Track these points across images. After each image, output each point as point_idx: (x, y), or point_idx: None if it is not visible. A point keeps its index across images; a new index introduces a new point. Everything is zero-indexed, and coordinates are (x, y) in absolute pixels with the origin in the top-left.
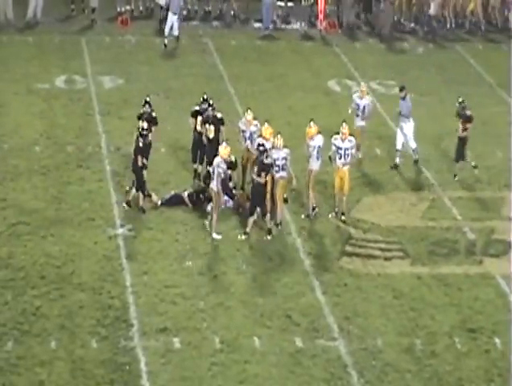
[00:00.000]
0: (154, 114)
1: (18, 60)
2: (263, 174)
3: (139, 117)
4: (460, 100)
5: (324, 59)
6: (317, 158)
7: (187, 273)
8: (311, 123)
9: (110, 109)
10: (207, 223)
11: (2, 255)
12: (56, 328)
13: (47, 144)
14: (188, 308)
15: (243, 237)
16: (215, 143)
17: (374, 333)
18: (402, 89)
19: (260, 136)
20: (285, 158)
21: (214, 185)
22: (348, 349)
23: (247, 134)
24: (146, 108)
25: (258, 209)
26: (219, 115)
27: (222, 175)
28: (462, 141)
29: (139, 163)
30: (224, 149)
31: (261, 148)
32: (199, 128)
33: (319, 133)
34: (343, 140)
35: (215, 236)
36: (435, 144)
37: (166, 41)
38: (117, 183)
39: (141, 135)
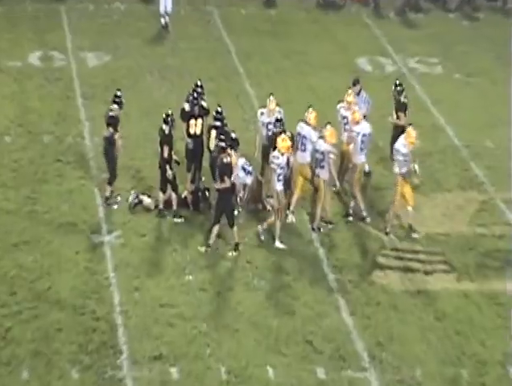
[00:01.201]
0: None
1: None
2: (225, 177)
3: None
4: (397, 82)
5: (352, 32)
6: (361, 149)
7: (187, 290)
8: (356, 108)
9: (95, 92)
10: (260, 228)
11: None
12: (29, 355)
13: (18, 133)
14: (188, 331)
15: (203, 249)
16: (201, 139)
17: (412, 361)
18: (355, 83)
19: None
20: (323, 153)
21: (276, 184)
22: (380, 381)
23: (272, 124)
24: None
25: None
26: (205, 104)
27: (279, 171)
28: (396, 132)
29: (165, 155)
30: (282, 142)
31: (221, 143)
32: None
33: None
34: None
35: (278, 244)
36: (487, 134)
37: (163, 20)
38: (102, 181)
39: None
